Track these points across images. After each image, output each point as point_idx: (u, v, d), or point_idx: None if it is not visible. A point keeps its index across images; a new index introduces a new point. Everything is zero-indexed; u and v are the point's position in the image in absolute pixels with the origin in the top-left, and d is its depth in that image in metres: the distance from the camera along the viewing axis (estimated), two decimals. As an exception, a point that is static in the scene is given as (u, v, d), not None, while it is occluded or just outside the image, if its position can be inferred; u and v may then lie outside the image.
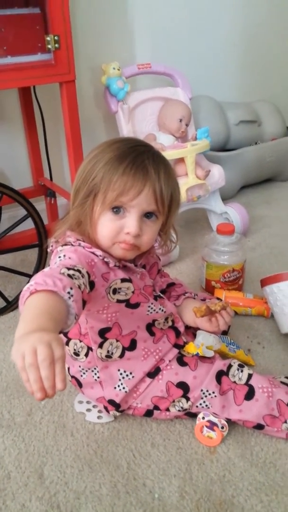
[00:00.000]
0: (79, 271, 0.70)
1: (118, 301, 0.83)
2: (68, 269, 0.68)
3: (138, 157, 0.77)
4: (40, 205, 1.53)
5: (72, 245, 0.78)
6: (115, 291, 0.81)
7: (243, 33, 2.08)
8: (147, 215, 0.79)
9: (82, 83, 1.57)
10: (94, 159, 0.79)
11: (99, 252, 0.78)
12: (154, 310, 0.89)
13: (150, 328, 0.90)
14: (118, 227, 0.78)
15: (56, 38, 1.18)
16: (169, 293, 1.02)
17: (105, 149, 0.79)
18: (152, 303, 0.88)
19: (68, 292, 0.62)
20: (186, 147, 1.46)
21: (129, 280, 0.82)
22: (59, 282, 0.62)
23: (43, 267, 1.23)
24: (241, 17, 2.04)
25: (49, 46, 1.18)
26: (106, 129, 1.77)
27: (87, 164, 0.80)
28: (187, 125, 1.60)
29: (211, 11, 1.92)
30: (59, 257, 0.74)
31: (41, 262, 1.23)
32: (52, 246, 0.83)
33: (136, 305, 0.85)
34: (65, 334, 0.84)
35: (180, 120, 1.57)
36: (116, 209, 0.77)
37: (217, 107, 1.93)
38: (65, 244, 0.79)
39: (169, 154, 1.44)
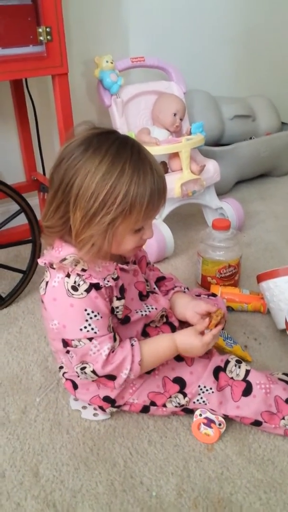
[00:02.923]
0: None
1: (116, 318, 0.84)
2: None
3: (156, 175, 0.74)
4: (33, 200, 1.51)
5: (76, 287, 0.76)
6: (113, 310, 0.83)
7: (239, 28, 2.06)
8: None
9: (75, 76, 1.55)
10: (107, 180, 0.70)
11: (102, 282, 0.78)
12: (145, 311, 0.89)
13: (144, 331, 0.90)
14: (139, 239, 0.80)
15: (48, 29, 1.16)
16: (159, 288, 1.01)
17: (114, 166, 0.71)
18: (140, 309, 0.88)
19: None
20: (180, 141, 1.45)
21: (122, 297, 0.83)
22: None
23: (37, 263, 1.21)
24: (237, 11, 2.02)
25: (41, 38, 1.16)
26: (99, 123, 1.74)
27: (100, 185, 0.70)
28: (181, 119, 1.58)
29: (207, 5, 1.91)
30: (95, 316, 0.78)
31: (35, 258, 1.21)
32: (45, 261, 0.80)
33: (126, 319, 0.86)
34: (65, 345, 0.82)
35: (174, 114, 1.55)
36: (140, 228, 0.78)
37: (212, 101, 1.92)
38: (68, 275, 0.77)
39: (163, 149, 1.43)
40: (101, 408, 0.88)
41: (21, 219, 1.18)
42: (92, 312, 0.77)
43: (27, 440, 0.86)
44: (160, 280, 1.02)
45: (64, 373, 0.92)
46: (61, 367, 0.93)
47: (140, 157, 0.74)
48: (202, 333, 0.85)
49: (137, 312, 0.88)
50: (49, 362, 1.05)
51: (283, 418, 0.83)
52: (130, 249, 0.80)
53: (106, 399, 0.87)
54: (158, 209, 0.78)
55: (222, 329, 1.06)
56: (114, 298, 0.82)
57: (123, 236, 0.76)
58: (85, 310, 0.77)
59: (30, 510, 0.74)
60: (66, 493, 0.77)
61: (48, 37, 1.17)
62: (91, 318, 0.77)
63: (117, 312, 0.84)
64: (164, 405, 0.87)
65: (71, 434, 0.87)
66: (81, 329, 0.77)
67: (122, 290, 0.83)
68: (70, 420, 0.90)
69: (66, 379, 0.91)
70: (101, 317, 0.78)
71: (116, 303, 0.82)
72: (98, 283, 0.77)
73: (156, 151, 1.35)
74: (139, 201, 0.72)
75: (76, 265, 0.76)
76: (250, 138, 2.03)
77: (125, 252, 0.82)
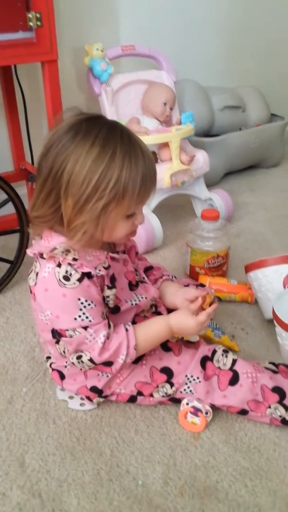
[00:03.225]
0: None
1: (107, 307, 0.84)
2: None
3: (146, 159, 0.74)
4: (21, 189, 1.50)
5: (68, 276, 0.75)
6: (104, 299, 0.82)
7: (230, 18, 2.05)
8: None
9: (64, 64, 1.52)
10: (99, 165, 0.70)
11: (93, 271, 0.77)
12: (136, 301, 0.89)
13: (133, 321, 0.90)
14: (131, 225, 0.79)
15: (38, 15, 1.14)
16: (147, 277, 1.01)
17: (105, 151, 0.70)
18: (130, 299, 0.88)
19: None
20: (170, 131, 1.44)
21: (113, 287, 0.83)
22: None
23: (24, 253, 1.20)
24: (228, 1, 2.01)
25: (31, 24, 1.15)
26: (89, 111, 1.72)
27: (91, 170, 0.70)
28: (171, 109, 1.57)
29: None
30: (89, 304, 0.77)
31: (22, 248, 1.20)
32: (34, 251, 0.79)
33: (116, 309, 0.86)
34: (55, 335, 0.82)
35: (165, 104, 1.54)
36: (132, 213, 0.78)
37: (202, 91, 1.91)
38: (59, 265, 0.76)
39: (153, 138, 1.42)
40: (88, 398, 0.88)
41: (8, 209, 1.17)
42: (86, 301, 0.77)
43: (13, 430, 0.86)
44: (148, 269, 1.02)
45: (51, 363, 0.91)
46: (48, 358, 0.93)
47: (130, 141, 0.73)
48: (196, 314, 0.85)
49: (126, 302, 0.88)
50: (36, 352, 1.04)
51: (269, 407, 0.83)
52: (122, 235, 0.80)
53: (93, 389, 0.86)
54: (150, 193, 0.78)
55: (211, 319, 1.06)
56: (105, 287, 0.82)
57: (115, 222, 0.76)
58: (79, 299, 0.76)
59: (15, 500, 0.74)
60: (52, 483, 0.76)
61: (38, 23, 1.15)
62: (84, 307, 0.77)
63: (108, 301, 0.83)
64: (151, 395, 0.87)
65: (58, 424, 0.87)
66: (75, 319, 0.77)
67: (113, 279, 0.83)
68: (57, 410, 0.90)
69: (53, 369, 0.91)
70: (95, 305, 0.78)
71: (107, 292, 0.82)
72: (90, 272, 0.76)
73: (146, 140, 1.31)
74: (132, 185, 0.72)
75: (67, 255, 0.75)
76: (240, 129, 2.03)
77: (117, 239, 0.81)
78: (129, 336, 0.80)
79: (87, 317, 0.77)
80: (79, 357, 0.80)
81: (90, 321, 0.77)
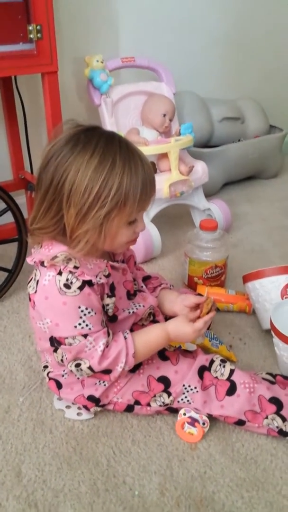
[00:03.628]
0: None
1: (106, 315, 0.85)
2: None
3: (145, 166, 0.75)
4: (20, 199, 1.50)
5: (69, 284, 0.76)
6: (103, 307, 0.83)
7: (229, 30, 2.07)
8: None
9: (65, 75, 1.54)
10: (100, 173, 0.70)
11: (94, 279, 0.77)
12: (133, 309, 0.89)
13: (131, 329, 0.90)
14: (132, 232, 0.80)
15: (38, 27, 1.16)
16: (146, 286, 1.01)
17: (105, 159, 0.71)
18: (128, 308, 0.88)
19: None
20: (169, 142, 1.45)
21: (113, 295, 0.83)
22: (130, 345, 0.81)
23: (23, 262, 1.21)
24: (228, 13, 2.03)
25: (31, 36, 1.16)
26: (89, 122, 1.73)
27: (93, 179, 0.70)
28: (170, 120, 1.59)
29: (198, 7, 1.91)
30: (89, 312, 0.78)
31: (21, 257, 1.21)
32: (34, 259, 0.80)
33: (114, 318, 0.86)
34: (53, 343, 0.82)
35: (164, 115, 1.56)
36: (134, 220, 0.79)
37: (201, 103, 1.92)
38: (60, 273, 0.76)
39: (152, 149, 1.43)
40: (85, 407, 0.88)
41: (7, 218, 1.18)
42: (86, 308, 0.77)
43: (10, 440, 0.85)
44: (146, 279, 1.02)
45: (48, 372, 0.91)
46: (45, 367, 0.93)
47: (128, 149, 0.74)
48: (193, 321, 0.85)
49: (124, 310, 0.88)
50: (33, 361, 1.04)
51: (266, 418, 0.83)
52: (124, 243, 0.80)
53: (91, 398, 0.86)
54: (150, 200, 0.79)
55: (208, 328, 1.06)
56: (105, 296, 0.82)
57: (117, 229, 0.76)
58: (79, 307, 0.76)
59: (11, 510, 0.73)
60: (48, 493, 0.76)
61: (39, 35, 1.16)
62: (85, 314, 0.77)
63: (107, 309, 0.84)
64: (149, 404, 0.87)
65: (54, 434, 0.87)
66: (75, 326, 0.77)
67: (112, 288, 0.84)
68: (54, 420, 0.89)
69: (50, 378, 0.91)
70: (95, 313, 0.78)
71: (106, 300, 0.82)
72: (91, 280, 0.77)
73: (145, 151, 1.32)
74: (133, 192, 0.73)
75: (68, 263, 0.76)
76: (239, 140, 2.05)
77: (118, 247, 0.82)
78: (128, 344, 0.81)
79: (87, 325, 0.77)
80: (77, 365, 0.80)
81: (90, 329, 0.77)
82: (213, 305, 0.88)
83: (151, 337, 0.84)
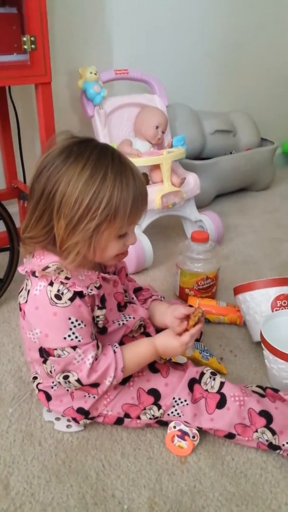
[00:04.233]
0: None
1: (96, 327, 0.85)
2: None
3: (137, 180, 0.75)
4: (13, 208, 1.50)
5: (60, 295, 0.75)
6: (93, 319, 0.83)
7: (221, 44, 2.10)
8: None
9: (58, 86, 1.55)
10: (90, 186, 0.70)
11: (85, 291, 0.77)
12: (123, 320, 0.89)
13: (121, 341, 0.90)
14: (122, 245, 0.80)
15: (32, 38, 1.16)
16: (137, 298, 1.01)
17: (97, 172, 0.71)
18: (118, 320, 0.89)
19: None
20: (162, 154, 1.46)
21: (103, 307, 0.83)
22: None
23: (14, 272, 1.20)
24: (220, 28, 2.06)
25: (25, 47, 1.17)
26: (82, 133, 1.73)
27: (83, 191, 0.70)
28: (163, 132, 1.60)
29: (191, 21, 1.94)
30: (81, 324, 0.78)
31: (12, 266, 1.20)
32: (26, 269, 0.80)
33: (103, 330, 0.86)
34: (42, 354, 0.82)
35: (157, 127, 1.57)
36: (124, 234, 0.79)
37: (193, 115, 1.94)
38: (51, 283, 0.76)
39: (145, 161, 1.44)
40: (75, 419, 0.87)
41: (-1, 227, 1.18)
42: (76, 320, 0.77)
43: (-2, 452, 0.85)
44: (137, 290, 1.02)
45: (38, 384, 0.91)
46: (34, 378, 0.92)
47: (121, 163, 0.75)
48: (180, 334, 0.85)
49: (114, 322, 0.88)
50: (23, 372, 1.03)
51: (256, 431, 0.83)
52: (114, 255, 0.80)
53: (80, 410, 0.86)
54: (141, 214, 0.79)
55: (198, 340, 1.07)
56: (96, 308, 0.82)
57: (107, 242, 0.76)
58: (69, 318, 0.76)
59: (-2, 524, 0.73)
60: (36, 506, 0.75)
61: (33, 46, 1.17)
62: (75, 326, 0.77)
63: (98, 321, 0.83)
64: (138, 417, 0.86)
65: (43, 446, 0.86)
66: (65, 338, 0.76)
67: (103, 299, 0.84)
68: (43, 432, 0.89)
69: (40, 390, 0.90)
70: (85, 325, 0.78)
71: (97, 312, 0.82)
72: (82, 291, 0.77)
73: (138, 162, 1.34)
74: (123, 206, 0.73)
75: (59, 273, 0.76)
76: (231, 152, 2.07)
77: (108, 260, 0.82)
78: (117, 358, 0.81)
79: (76, 337, 0.77)
80: (66, 377, 0.79)
81: (79, 341, 0.77)
82: (202, 315, 0.88)
83: (140, 351, 0.84)
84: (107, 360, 0.80)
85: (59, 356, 0.78)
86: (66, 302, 0.76)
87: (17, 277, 1.22)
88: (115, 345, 0.83)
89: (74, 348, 0.77)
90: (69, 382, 0.79)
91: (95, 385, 0.80)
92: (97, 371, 0.78)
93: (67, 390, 0.85)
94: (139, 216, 0.79)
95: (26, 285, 0.81)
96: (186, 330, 0.86)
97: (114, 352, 0.81)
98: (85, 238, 0.73)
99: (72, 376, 0.79)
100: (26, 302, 0.80)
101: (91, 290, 0.79)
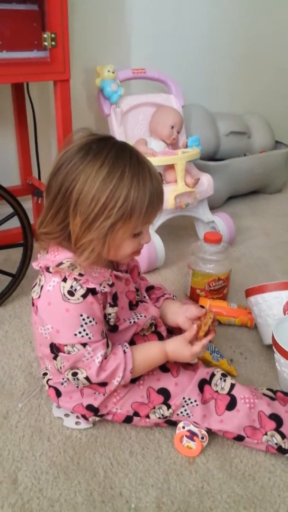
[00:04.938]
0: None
1: (107, 324, 0.85)
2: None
3: (154, 180, 0.75)
4: (27, 204, 1.51)
5: (73, 292, 0.75)
6: (105, 317, 0.83)
7: (240, 46, 2.10)
8: None
9: (76, 84, 1.55)
10: (107, 184, 0.71)
11: (98, 288, 0.77)
12: (134, 319, 0.89)
13: (132, 339, 0.90)
14: (137, 244, 0.80)
15: (53, 35, 1.17)
16: (149, 296, 1.01)
17: (114, 171, 0.71)
18: (129, 318, 0.88)
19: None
20: (176, 154, 1.46)
21: (115, 305, 0.83)
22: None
23: (27, 267, 1.21)
24: (239, 30, 2.06)
25: (46, 44, 1.17)
26: (98, 131, 1.75)
27: (100, 189, 0.71)
28: (178, 132, 1.60)
29: (209, 23, 1.94)
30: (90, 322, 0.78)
31: (25, 262, 1.21)
32: (40, 264, 0.80)
33: (114, 328, 0.86)
34: (53, 350, 0.82)
35: (172, 127, 1.57)
36: (139, 232, 0.78)
37: (209, 116, 1.94)
38: (64, 279, 0.76)
39: (159, 160, 1.43)
40: (84, 416, 0.87)
41: (13, 223, 1.18)
42: (88, 317, 0.77)
43: (7, 446, 0.85)
44: (149, 289, 1.02)
45: (48, 380, 0.91)
46: (45, 374, 0.92)
47: (139, 162, 0.75)
48: (191, 341, 0.85)
49: (125, 320, 0.88)
50: (33, 367, 1.04)
51: (266, 434, 0.83)
52: (128, 254, 0.80)
53: (89, 407, 0.86)
54: (157, 213, 0.79)
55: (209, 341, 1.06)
56: (108, 305, 0.82)
57: (122, 241, 0.76)
58: (81, 315, 0.76)
59: (6, 517, 0.73)
60: (44, 502, 0.75)
61: (53, 43, 1.18)
62: (86, 323, 0.77)
63: (109, 319, 0.83)
64: (148, 416, 0.86)
65: (52, 442, 0.86)
66: (75, 334, 0.77)
67: (115, 297, 0.84)
68: (52, 428, 0.89)
69: (50, 386, 0.90)
70: (96, 323, 0.78)
71: (109, 310, 0.82)
72: (95, 288, 0.77)
73: (152, 162, 1.34)
74: (139, 205, 0.73)
75: (73, 270, 0.76)
76: (245, 154, 2.06)
77: (122, 258, 0.82)
78: (127, 359, 0.80)
79: (87, 334, 0.77)
80: (74, 374, 0.79)
81: (89, 338, 0.77)
82: (214, 321, 0.88)
83: (150, 354, 0.84)
84: (117, 359, 0.80)
85: (69, 353, 0.78)
86: (78, 299, 0.76)
87: (29, 273, 1.23)
88: (125, 345, 0.83)
89: (84, 345, 0.77)
90: (78, 379, 0.80)
91: (103, 384, 0.80)
92: (106, 370, 0.79)
93: (77, 386, 0.86)
94: (154, 215, 0.78)
95: (40, 281, 0.81)
96: (197, 337, 0.85)
97: (124, 352, 0.81)
98: (100, 236, 0.73)
99: (81, 374, 0.79)
100: (39, 297, 0.80)
101: (104, 287, 0.79)
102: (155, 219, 0.81)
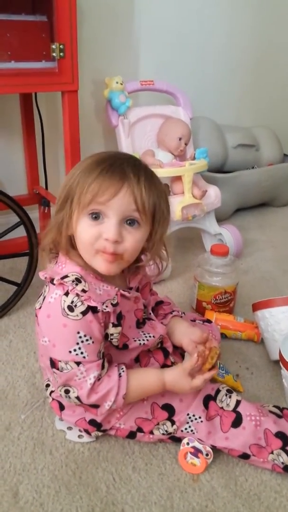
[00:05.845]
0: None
1: (112, 345, 0.83)
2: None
3: (117, 162, 0.73)
4: (33, 213, 1.51)
5: (73, 307, 0.74)
6: (107, 336, 0.80)
7: (248, 59, 2.10)
8: (129, 221, 0.74)
9: (84, 95, 1.56)
10: (74, 169, 0.76)
11: (100, 307, 0.75)
12: (144, 340, 0.87)
13: (137, 357, 0.88)
14: (97, 233, 0.73)
15: (61, 46, 1.18)
16: (157, 312, 1.00)
17: (86, 158, 0.77)
18: (138, 338, 0.86)
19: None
20: (184, 165, 1.46)
21: (119, 325, 0.81)
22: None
23: (32, 277, 1.20)
24: (248, 43, 2.07)
25: (54, 54, 1.18)
26: (105, 142, 1.76)
27: (68, 174, 0.77)
28: (186, 144, 1.60)
29: (216, 34, 1.95)
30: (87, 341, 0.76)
31: (31, 271, 1.20)
32: (46, 275, 0.79)
33: (125, 347, 0.84)
34: (53, 364, 0.81)
35: (180, 139, 1.57)
36: (95, 215, 0.73)
37: (217, 129, 1.94)
38: (66, 293, 0.74)
39: (166, 172, 1.43)
40: (87, 431, 0.86)
41: (19, 231, 1.18)
42: (85, 336, 0.75)
43: (9, 458, 0.84)
44: (157, 304, 1.01)
45: (51, 392, 0.90)
46: (47, 385, 0.91)
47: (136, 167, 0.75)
48: (192, 374, 0.82)
49: (135, 340, 0.86)
50: (37, 378, 1.03)
51: (272, 453, 0.81)
52: (88, 241, 0.74)
53: (92, 422, 0.84)
54: (108, 187, 0.71)
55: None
56: (110, 325, 0.80)
57: (77, 220, 0.74)
58: (78, 332, 0.75)
59: (6, 533, 0.72)
60: (44, 517, 0.74)
61: (61, 53, 1.18)
62: (82, 342, 0.75)
63: (112, 339, 0.81)
64: (151, 432, 0.85)
65: (54, 455, 0.85)
66: (70, 352, 0.75)
67: (119, 317, 0.81)
68: (54, 441, 0.88)
69: (53, 399, 0.89)
70: (93, 342, 0.76)
71: (111, 329, 0.80)
72: (96, 307, 0.75)
73: (159, 173, 1.33)
74: (81, 182, 0.73)
75: (77, 285, 0.75)
76: (253, 167, 2.06)
77: (86, 249, 0.75)
78: (121, 384, 0.78)
79: (82, 353, 0.75)
80: (67, 391, 0.78)
81: (84, 357, 0.76)
82: (218, 357, 0.86)
83: (146, 382, 0.82)
84: (110, 383, 0.78)
85: (62, 369, 0.76)
86: (78, 315, 0.74)
87: (34, 283, 1.22)
88: (122, 368, 0.81)
89: (78, 364, 0.76)
90: (69, 397, 0.78)
91: (95, 406, 0.79)
92: (98, 393, 0.77)
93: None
94: (104, 188, 0.71)
95: (44, 291, 0.80)
96: (200, 368, 0.83)
97: (120, 375, 0.79)
98: (59, 220, 0.76)
99: (73, 392, 0.77)
100: (40, 308, 0.79)
101: (106, 307, 0.76)
102: (108, 197, 0.71)
